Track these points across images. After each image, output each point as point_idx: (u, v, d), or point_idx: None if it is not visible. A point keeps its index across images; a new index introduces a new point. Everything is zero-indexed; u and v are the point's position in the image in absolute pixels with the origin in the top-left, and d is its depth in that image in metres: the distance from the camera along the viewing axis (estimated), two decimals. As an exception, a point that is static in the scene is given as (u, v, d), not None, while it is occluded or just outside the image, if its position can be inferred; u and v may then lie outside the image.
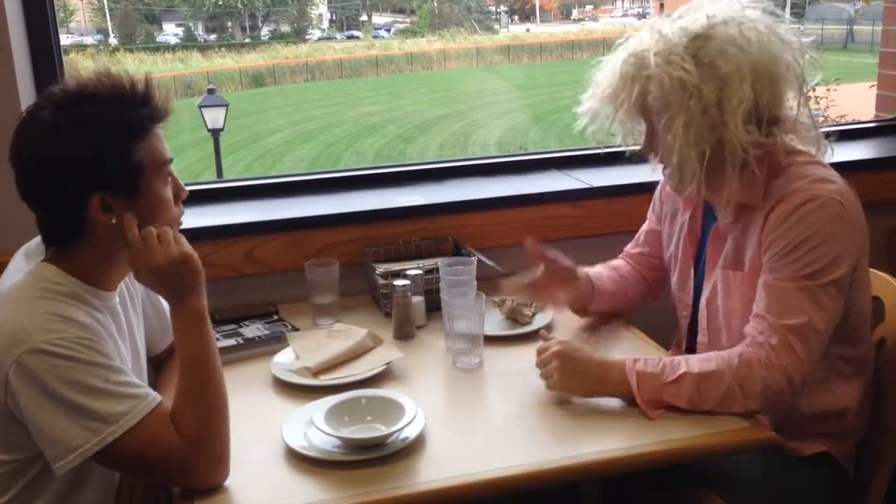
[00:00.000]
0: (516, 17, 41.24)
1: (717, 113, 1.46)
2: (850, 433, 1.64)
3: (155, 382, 1.58)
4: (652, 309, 1.91)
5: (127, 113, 1.29)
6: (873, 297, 1.65)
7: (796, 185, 1.49)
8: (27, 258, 1.38)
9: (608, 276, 1.88)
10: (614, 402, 1.51)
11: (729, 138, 1.46)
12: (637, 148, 1.63)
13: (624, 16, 37.88)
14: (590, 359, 1.52)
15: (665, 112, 1.48)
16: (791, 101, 1.54)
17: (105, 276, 1.35)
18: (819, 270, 1.45)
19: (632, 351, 1.71)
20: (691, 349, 1.76)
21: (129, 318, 1.47)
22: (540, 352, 1.55)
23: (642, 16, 35.33)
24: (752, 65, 1.45)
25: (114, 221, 1.29)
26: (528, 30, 37.49)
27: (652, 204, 1.89)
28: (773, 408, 1.50)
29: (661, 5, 27.94)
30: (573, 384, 1.51)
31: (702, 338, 1.69)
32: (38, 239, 1.38)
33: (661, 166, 1.61)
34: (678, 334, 1.83)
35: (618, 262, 1.94)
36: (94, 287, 1.33)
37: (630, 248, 1.95)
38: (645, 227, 1.92)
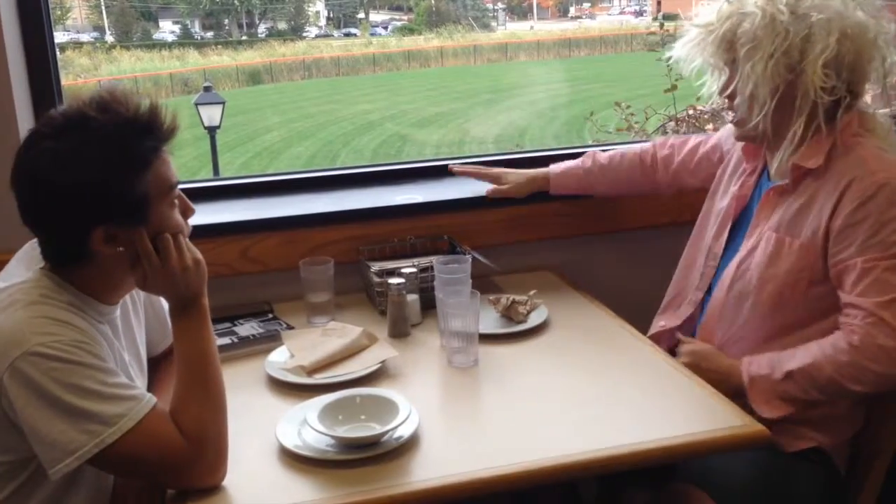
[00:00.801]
0: (510, 15, 41.18)
1: (798, 55, 1.53)
2: (844, 421, 1.64)
3: (150, 382, 1.57)
4: (643, 301, 1.93)
5: (130, 146, 1.25)
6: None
7: (873, 166, 1.53)
8: (28, 261, 1.36)
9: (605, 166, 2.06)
10: (611, 399, 1.51)
11: (804, 80, 1.53)
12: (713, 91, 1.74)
13: (621, 13, 37.83)
14: (716, 366, 1.64)
15: (749, 43, 1.56)
16: (871, 87, 1.61)
17: (108, 294, 1.35)
18: None
19: (623, 344, 1.72)
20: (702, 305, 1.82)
21: (131, 325, 1.47)
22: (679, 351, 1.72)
23: (639, 13, 35.31)
24: (843, 26, 1.53)
25: (120, 249, 1.27)
26: (531, 27, 37.41)
27: (715, 145, 1.95)
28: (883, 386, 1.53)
29: (659, 2, 27.93)
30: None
31: (718, 293, 1.72)
32: None
33: (730, 114, 1.69)
34: (690, 286, 1.86)
35: (638, 151, 2.06)
36: (94, 300, 1.32)
37: (665, 147, 2.03)
38: (700, 146, 1.98)
